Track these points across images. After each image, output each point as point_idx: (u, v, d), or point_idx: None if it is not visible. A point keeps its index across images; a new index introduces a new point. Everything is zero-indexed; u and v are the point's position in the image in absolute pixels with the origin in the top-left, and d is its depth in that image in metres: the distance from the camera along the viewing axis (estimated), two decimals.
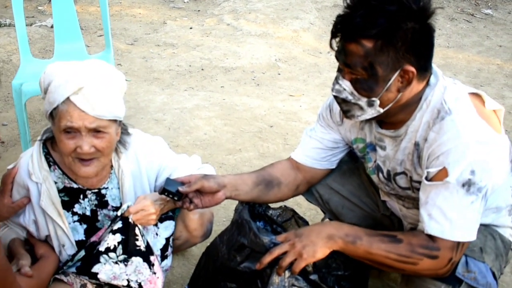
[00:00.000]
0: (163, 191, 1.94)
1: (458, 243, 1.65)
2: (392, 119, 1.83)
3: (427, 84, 1.77)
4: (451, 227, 1.64)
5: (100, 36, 6.13)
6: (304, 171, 2.19)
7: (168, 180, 1.97)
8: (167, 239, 2.25)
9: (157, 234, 2.23)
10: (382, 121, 1.89)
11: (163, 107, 4.44)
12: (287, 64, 5.55)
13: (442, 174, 1.65)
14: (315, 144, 2.15)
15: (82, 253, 2.04)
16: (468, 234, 1.65)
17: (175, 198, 1.95)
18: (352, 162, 2.26)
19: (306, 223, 2.29)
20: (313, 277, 1.84)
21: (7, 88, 4.78)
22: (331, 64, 5.59)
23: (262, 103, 4.57)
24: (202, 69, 5.34)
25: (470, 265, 1.74)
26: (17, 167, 2.08)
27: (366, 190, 2.28)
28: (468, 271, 1.73)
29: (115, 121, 1.97)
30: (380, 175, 2.00)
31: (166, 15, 7.07)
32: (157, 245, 2.21)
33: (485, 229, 1.86)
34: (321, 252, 1.76)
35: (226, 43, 6.00)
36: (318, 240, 1.77)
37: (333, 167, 2.22)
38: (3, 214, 2.07)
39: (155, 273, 2.07)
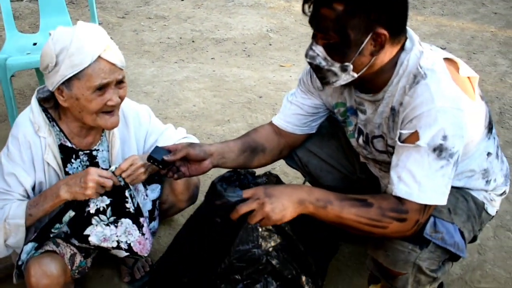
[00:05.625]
0: (149, 158, 1.94)
1: (425, 205, 1.64)
2: (370, 85, 1.82)
3: (402, 48, 1.76)
4: (419, 190, 1.63)
5: None
6: (285, 136, 2.21)
7: (156, 148, 1.97)
8: (154, 202, 2.35)
9: (147, 196, 2.31)
10: (361, 86, 1.88)
11: (152, 79, 4.44)
12: (278, 34, 5.51)
13: (414, 137, 1.64)
14: (295, 110, 2.16)
15: (71, 212, 2.01)
16: (435, 197, 1.64)
17: (160, 166, 1.95)
18: (331, 127, 2.27)
19: None
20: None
21: None
22: None
23: (252, 74, 4.56)
24: (193, 41, 5.31)
25: (438, 226, 1.75)
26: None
27: (344, 153, 2.30)
28: (436, 232, 1.74)
29: None
30: (360, 138, 2.00)
31: None
32: (145, 207, 2.29)
33: (457, 191, 1.87)
34: (290, 216, 1.70)
35: (217, 15, 5.96)
36: (289, 203, 1.68)
37: (313, 131, 2.23)
38: None
39: (144, 234, 2.12)
